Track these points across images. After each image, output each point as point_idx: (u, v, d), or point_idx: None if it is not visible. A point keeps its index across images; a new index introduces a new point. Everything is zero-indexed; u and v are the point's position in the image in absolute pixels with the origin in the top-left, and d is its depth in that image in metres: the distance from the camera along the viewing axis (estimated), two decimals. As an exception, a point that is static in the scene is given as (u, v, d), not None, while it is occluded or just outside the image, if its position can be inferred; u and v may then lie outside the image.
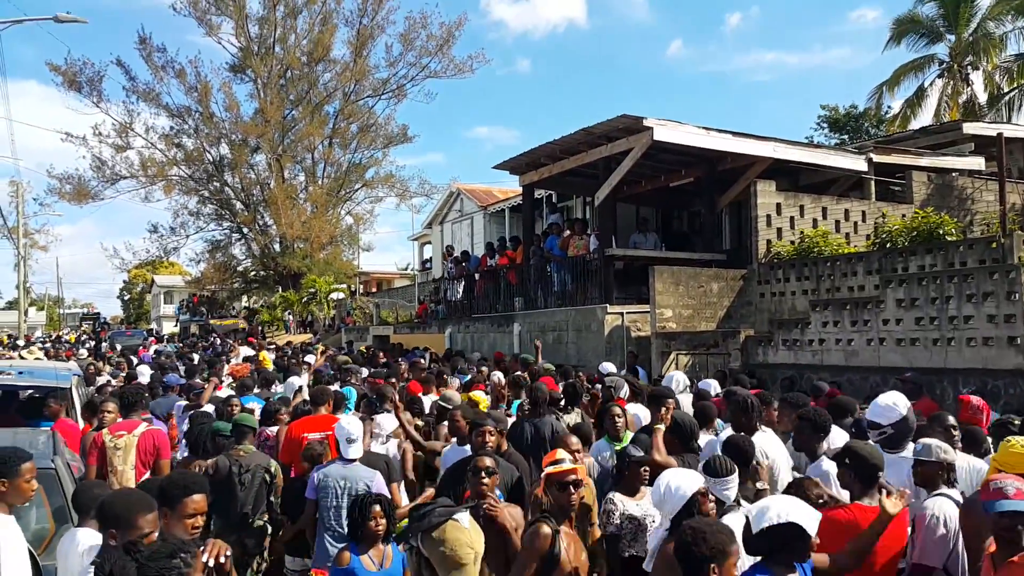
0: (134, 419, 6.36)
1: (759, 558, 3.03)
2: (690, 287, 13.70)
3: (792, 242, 13.96)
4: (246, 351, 19.15)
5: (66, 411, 7.68)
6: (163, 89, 34.24)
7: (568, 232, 16.05)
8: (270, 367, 13.38)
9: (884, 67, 71.97)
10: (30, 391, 8.39)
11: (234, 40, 34.71)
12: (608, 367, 10.52)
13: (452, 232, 26.77)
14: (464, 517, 3.97)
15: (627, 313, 13.91)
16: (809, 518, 2.96)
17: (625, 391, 7.66)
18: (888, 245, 12.82)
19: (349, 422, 5.46)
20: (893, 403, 4.55)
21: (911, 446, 4.41)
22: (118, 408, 6.54)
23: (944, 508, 3.75)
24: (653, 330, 13.23)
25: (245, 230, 36.17)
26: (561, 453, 4.06)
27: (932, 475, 3.95)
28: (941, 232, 12.51)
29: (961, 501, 3.81)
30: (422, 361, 13.29)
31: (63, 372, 8.71)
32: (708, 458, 4.08)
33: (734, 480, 3.88)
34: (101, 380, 12.72)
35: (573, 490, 3.79)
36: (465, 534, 3.92)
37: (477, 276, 18.62)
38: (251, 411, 7.24)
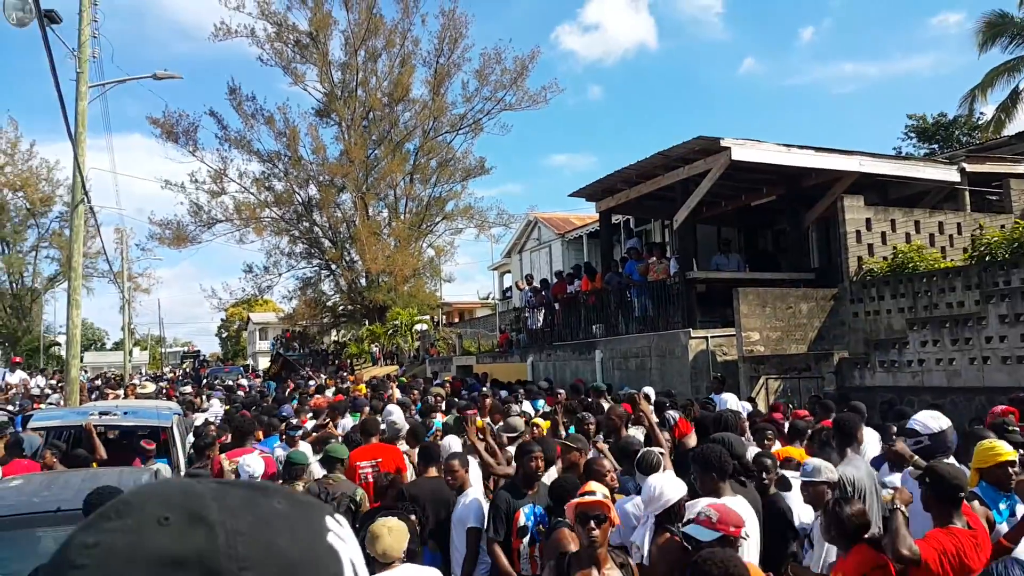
0: (247, 447, 6.86)
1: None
2: (777, 308, 13.33)
3: (885, 258, 13.42)
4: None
5: (167, 449, 8.07)
6: (253, 136, 35.94)
7: (649, 256, 15.92)
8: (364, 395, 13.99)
9: (973, 72, 68.79)
10: (136, 430, 8.83)
11: (319, 86, 36.22)
12: (650, 391, 10.60)
13: (531, 260, 26.93)
14: None
15: (712, 337, 13.63)
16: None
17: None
18: (987, 258, 12.17)
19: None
20: (934, 417, 4.74)
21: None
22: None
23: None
24: (740, 354, 12.92)
25: (333, 266, 37.36)
26: (594, 484, 3.89)
27: (820, 494, 4.25)
28: (1047, 242, 11.80)
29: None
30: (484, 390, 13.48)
31: (164, 411, 9.12)
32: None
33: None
34: (200, 418, 13.38)
35: (595, 525, 3.48)
36: None
37: (557, 305, 18.64)
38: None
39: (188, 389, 25.57)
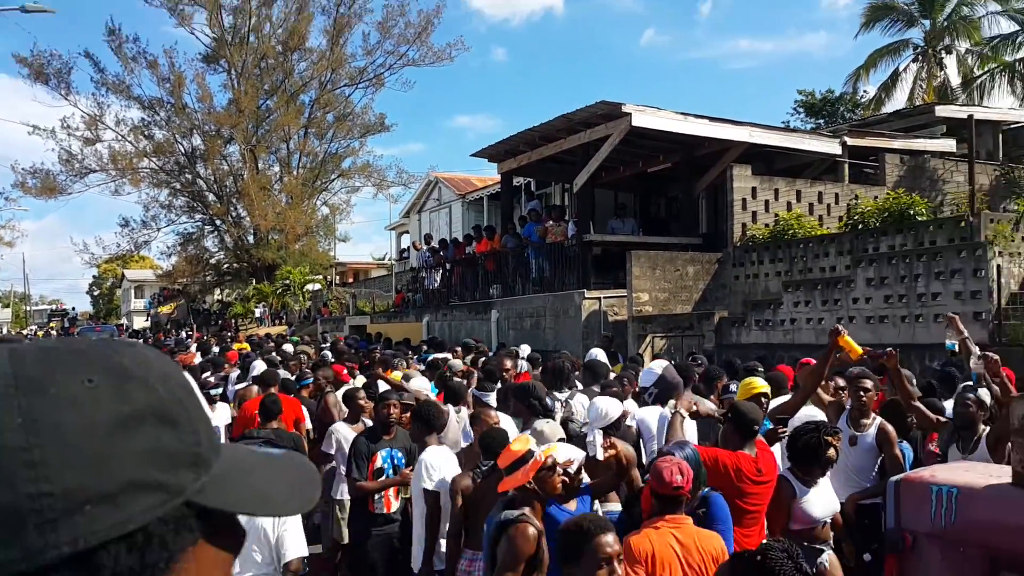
0: None
1: None
2: (667, 271, 13.78)
3: (767, 225, 14.09)
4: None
5: None
6: (134, 81, 33.61)
7: (548, 219, 16.06)
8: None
9: (861, 53, 72.57)
10: None
11: (208, 30, 34.16)
12: (525, 349, 10.89)
13: (430, 221, 26.68)
14: None
15: (604, 298, 13.96)
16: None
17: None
18: (860, 226, 12.99)
19: None
20: (650, 367, 5.33)
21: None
22: None
23: None
24: (630, 314, 13.30)
25: (218, 222, 35.70)
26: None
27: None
28: (912, 213, 12.69)
29: None
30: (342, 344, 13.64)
31: None
32: None
33: None
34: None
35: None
36: None
37: (448, 264, 18.58)
38: None
39: None
